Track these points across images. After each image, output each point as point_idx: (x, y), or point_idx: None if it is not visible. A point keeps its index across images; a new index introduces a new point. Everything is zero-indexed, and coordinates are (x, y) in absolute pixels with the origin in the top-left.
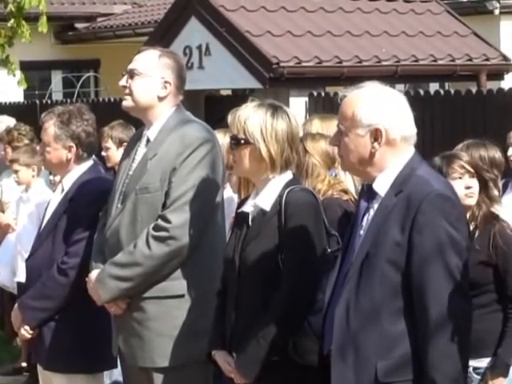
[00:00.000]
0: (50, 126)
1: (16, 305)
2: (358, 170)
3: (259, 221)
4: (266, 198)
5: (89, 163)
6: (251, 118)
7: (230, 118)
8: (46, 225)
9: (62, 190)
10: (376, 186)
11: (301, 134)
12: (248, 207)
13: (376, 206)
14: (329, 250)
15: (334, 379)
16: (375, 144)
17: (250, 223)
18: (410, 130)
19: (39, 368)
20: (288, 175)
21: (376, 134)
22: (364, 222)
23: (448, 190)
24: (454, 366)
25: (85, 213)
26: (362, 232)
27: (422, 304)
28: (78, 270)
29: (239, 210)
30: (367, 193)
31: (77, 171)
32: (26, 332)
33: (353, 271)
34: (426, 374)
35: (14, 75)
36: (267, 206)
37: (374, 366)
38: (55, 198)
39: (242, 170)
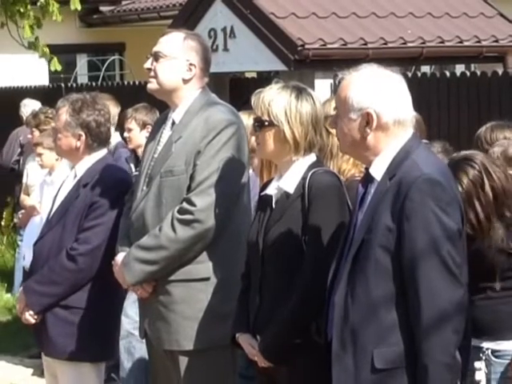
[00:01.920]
0: (63, 113)
1: (20, 289)
2: (355, 154)
3: (283, 203)
4: (289, 181)
5: (101, 153)
6: (275, 99)
7: (253, 99)
8: (57, 209)
9: (75, 175)
10: (372, 171)
11: None
12: (271, 190)
13: (372, 190)
14: None
15: (334, 366)
16: (367, 128)
17: (273, 206)
18: (405, 113)
19: (43, 355)
20: (311, 157)
21: (368, 118)
22: (363, 207)
23: (439, 173)
24: (447, 353)
25: (98, 200)
26: (360, 217)
27: (414, 292)
28: (87, 257)
29: (263, 193)
30: (365, 177)
31: (89, 159)
32: (30, 317)
33: (349, 258)
34: (420, 361)
35: (48, 58)
36: (291, 189)
37: (371, 353)
38: (67, 184)
39: (266, 152)
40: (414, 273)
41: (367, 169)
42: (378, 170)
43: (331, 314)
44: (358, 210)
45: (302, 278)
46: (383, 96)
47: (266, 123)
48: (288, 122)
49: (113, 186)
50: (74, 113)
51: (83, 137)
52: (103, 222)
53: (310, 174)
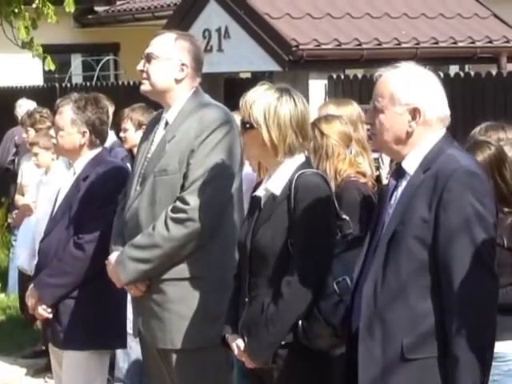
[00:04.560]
0: (67, 111)
1: (31, 286)
2: (391, 149)
3: (270, 205)
4: (276, 182)
5: (99, 149)
6: (257, 102)
7: (240, 101)
8: (60, 207)
9: (74, 173)
10: (405, 165)
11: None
12: (260, 191)
13: (404, 183)
14: (339, 235)
15: (361, 355)
16: (412, 123)
17: (261, 207)
18: (446, 111)
19: (51, 346)
20: (300, 158)
21: (414, 113)
22: (392, 201)
23: (476, 166)
24: (479, 343)
25: (99, 191)
26: (390, 210)
27: (448, 280)
28: (94, 245)
29: (253, 194)
30: (397, 171)
31: (88, 155)
32: (44, 311)
33: (380, 249)
34: (450, 351)
35: (41, 58)
36: (277, 191)
37: (400, 342)
38: (67, 181)
39: (250, 154)
40: (448, 262)
41: (399, 163)
42: (411, 165)
43: (356, 306)
44: (388, 202)
45: (289, 280)
46: (429, 93)
47: (248, 125)
48: (266, 125)
49: (111, 178)
50: (78, 111)
51: (87, 134)
52: (105, 212)
53: (296, 176)
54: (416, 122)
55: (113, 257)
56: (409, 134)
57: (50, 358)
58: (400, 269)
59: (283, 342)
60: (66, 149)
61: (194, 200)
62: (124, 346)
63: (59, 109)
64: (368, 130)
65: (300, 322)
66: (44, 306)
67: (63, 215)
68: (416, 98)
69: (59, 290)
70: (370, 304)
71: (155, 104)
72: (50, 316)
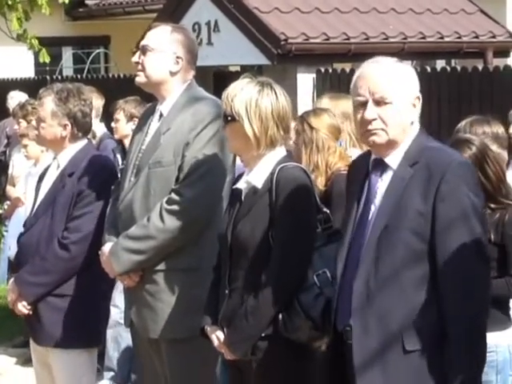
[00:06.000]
0: (48, 102)
1: (11, 280)
2: (393, 142)
3: (251, 198)
4: (257, 175)
5: (83, 142)
6: (238, 95)
7: (222, 94)
8: (43, 200)
9: (58, 166)
10: (389, 160)
11: None
12: (241, 184)
13: (386, 178)
14: (319, 228)
15: (356, 352)
16: (415, 112)
17: (242, 200)
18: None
19: (32, 344)
20: (281, 151)
21: (415, 102)
22: (376, 195)
23: (463, 158)
24: (475, 328)
25: (85, 189)
26: (374, 205)
27: (445, 269)
28: (78, 245)
29: (234, 187)
30: (376, 166)
31: (72, 148)
32: (23, 308)
33: (370, 243)
34: (449, 336)
35: (36, 49)
36: (259, 183)
37: (400, 335)
38: (50, 174)
39: (232, 147)
40: (446, 252)
41: (378, 159)
42: (394, 159)
43: (342, 303)
44: (372, 197)
45: (269, 272)
46: (405, 87)
47: (229, 118)
48: (248, 118)
49: (98, 174)
50: (60, 102)
51: (69, 126)
52: (92, 209)
53: (278, 169)
54: (417, 111)
55: (107, 247)
56: (411, 125)
57: (31, 355)
58: (395, 262)
59: (263, 334)
60: (47, 140)
61: (188, 192)
62: (101, 343)
63: (41, 99)
64: None
65: (280, 315)
66: (24, 303)
67: (46, 210)
68: (416, 87)
69: (40, 288)
70: (362, 300)
71: (147, 97)
72: (30, 312)
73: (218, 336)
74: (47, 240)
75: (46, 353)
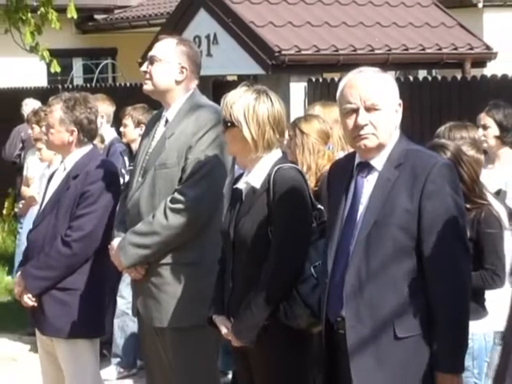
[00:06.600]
0: (56, 110)
1: (18, 273)
2: (379, 147)
3: (250, 197)
4: (256, 176)
5: (89, 147)
6: (237, 102)
7: (221, 101)
8: (49, 200)
9: (64, 168)
10: (374, 162)
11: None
12: (241, 184)
13: (372, 179)
14: (314, 223)
15: (350, 341)
16: (398, 117)
17: (242, 199)
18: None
19: (37, 333)
20: (277, 153)
21: (398, 108)
22: (362, 195)
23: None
24: (460, 312)
25: (88, 190)
26: (361, 204)
27: (432, 262)
28: (80, 243)
29: (234, 187)
30: (362, 169)
31: (78, 153)
32: (29, 300)
33: (360, 239)
34: (436, 320)
35: (47, 61)
36: (257, 184)
37: (392, 323)
38: (57, 176)
39: (232, 151)
40: (432, 246)
41: (363, 161)
42: (379, 161)
43: (333, 297)
44: (358, 196)
45: (269, 265)
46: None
47: (229, 124)
48: (246, 123)
49: (101, 177)
50: (67, 110)
51: (76, 132)
52: (94, 209)
53: (274, 170)
54: (399, 115)
55: (115, 242)
56: (395, 128)
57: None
58: (385, 256)
59: (266, 322)
60: (56, 145)
61: (191, 192)
62: (104, 333)
63: (50, 107)
64: None
65: (281, 305)
66: (29, 295)
67: (52, 210)
68: (396, 94)
69: (44, 282)
70: (354, 291)
71: (151, 103)
72: (35, 304)
73: (225, 325)
74: (51, 237)
75: (50, 342)
